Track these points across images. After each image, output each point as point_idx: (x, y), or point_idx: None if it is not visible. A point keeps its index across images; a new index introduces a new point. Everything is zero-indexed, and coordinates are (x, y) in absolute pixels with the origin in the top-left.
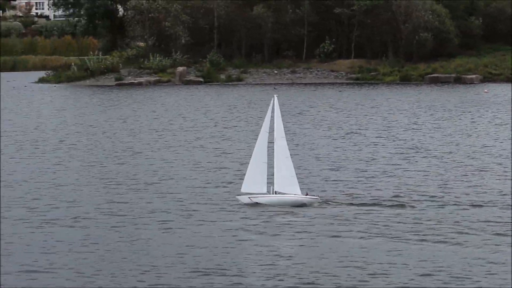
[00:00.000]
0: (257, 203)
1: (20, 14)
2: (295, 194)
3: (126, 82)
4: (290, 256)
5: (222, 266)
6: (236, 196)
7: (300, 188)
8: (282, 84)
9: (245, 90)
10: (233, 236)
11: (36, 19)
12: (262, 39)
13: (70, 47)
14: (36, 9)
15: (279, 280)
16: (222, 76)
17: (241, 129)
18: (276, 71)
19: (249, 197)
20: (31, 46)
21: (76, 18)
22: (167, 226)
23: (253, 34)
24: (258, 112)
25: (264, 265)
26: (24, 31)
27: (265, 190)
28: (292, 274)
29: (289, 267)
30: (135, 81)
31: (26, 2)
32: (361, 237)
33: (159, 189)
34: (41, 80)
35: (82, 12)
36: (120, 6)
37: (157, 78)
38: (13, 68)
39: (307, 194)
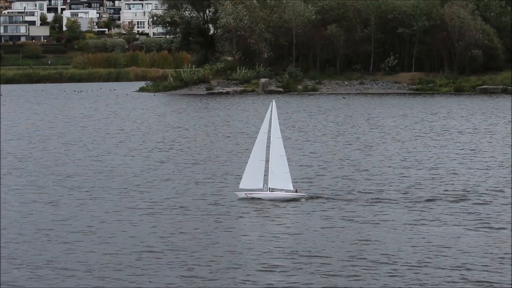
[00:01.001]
0: (252, 198)
1: (124, 32)
2: (286, 191)
3: (215, 91)
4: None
5: (222, 257)
6: (235, 192)
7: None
8: (351, 93)
9: (318, 99)
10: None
11: (137, 36)
12: (334, 54)
13: (166, 60)
14: (138, 27)
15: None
16: (300, 87)
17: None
18: (346, 83)
19: (245, 193)
20: (132, 59)
21: (172, 36)
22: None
23: (327, 50)
24: (327, 116)
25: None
26: (127, 47)
27: (261, 186)
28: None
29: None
30: (224, 91)
31: (128, 22)
32: (324, 227)
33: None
34: (142, 89)
35: (178, 30)
36: (211, 25)
37: (243, 88)
38: (117, 78)
39: (296, 191)
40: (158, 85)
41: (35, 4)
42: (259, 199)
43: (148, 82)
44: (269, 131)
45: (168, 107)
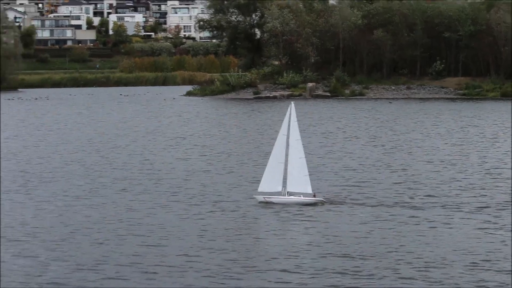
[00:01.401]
0: (270, 202)
1: (171, 36)
2: (304, 196)
3: (262, 95)
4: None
5: (243, 257)
6: (254, 195)
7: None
8: (398, 98)
9: (364, 103)
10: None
11: (184, 40)
12: (381, 58)
13: (213, 64)
14: (184, 31)
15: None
16: (347, 91)
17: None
18: (393, 87)
19: (263, 197)
20: (179, 63)
21: (219, 40)
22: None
23: (373, 54)
24: (372, 120)
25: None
26: (173, 51)
27: (280, 189)
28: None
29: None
30: (271, 95)
31: (175, 26)
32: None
33: None
34: (189, 93)
35: (224, 35)
36: (258, 29)
37: (290, 92)
38: (164, 82)
39: (314, 196)
40: (205, 89)
41: (81, 8)
42: (277, 203)
43: (195, 86)
44: (288, 133)
45: (216, 111)
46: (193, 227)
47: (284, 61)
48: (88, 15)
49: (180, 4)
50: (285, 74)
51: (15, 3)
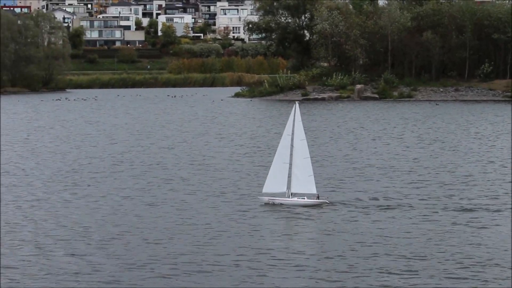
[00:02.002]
0: (274, 203)
1: (219, 37)
2: (308, 197)
3: (311, 97)
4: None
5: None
6: (258, 197)
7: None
8: (446, 100)
9: (412, 106)
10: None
11: (233, 41)
12: (430, 60)
13: (262, 66)
14: (233, 33)
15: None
16: (395, 93)
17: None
18: (441, 89)
19: (268, 199)
20: (228, 65)
21: (268, 41)
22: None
23: (422, 56)
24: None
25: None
26: (222, 52)
27: (285, 189)
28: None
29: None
30: (319, 97)
31: (224, 27)
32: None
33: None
34: (237, 95)
35: (273, 36)
36: (307, 31)
37: (338, 94)
38: (212, 83)
39: (318, 197)
40: (254, 91)
41: (130, 8)
42: (281, 204)
43: (244, 87)
44: (293, 133)
45: (265, 112)
46: (242, 227)
47: (333, 62)
48: (137, 16)
49: (229, 5)
50: (333, 76)
51: (64, 3)
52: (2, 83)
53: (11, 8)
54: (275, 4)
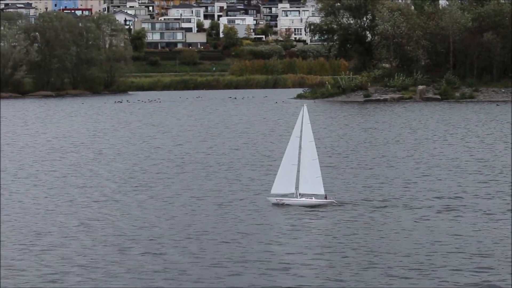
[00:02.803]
0: (283, 204)
1: (281, 39)
2: (315, 197)
3: (373, 98)
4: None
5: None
6: (267, 197)
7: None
8: (508, 101)
9: (473, 106)
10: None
11: (294, 43)
12: (491, 61)
13: (323, 67)
14: (295, 34)
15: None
16: (457, 94)
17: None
18: (503, 90)
19: (276, 199)
20: (290, 66)
21: (330, 43)
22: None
23: (483, 57)
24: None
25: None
26: (284, 53)
27: (293, 191)
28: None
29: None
30: (381, 98)
31: (286, 28)
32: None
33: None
34: (299, 96)
35: (335, 38)
36: (368, 32)
37: (400, 95)
38: (274, 85)
39: (326, 197)
40: (316, 92)
41: (192, 11)
42: (289, 205)
43: (306, 89)
44: (301, 135)
45: (331, 114)
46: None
47: (395, 64)
48: (199, 18)
49: (290, 6)
50: (395, 77)
51: (125, 6)
52: (64, 86)
53: (72, 11)
54: (336, 5)
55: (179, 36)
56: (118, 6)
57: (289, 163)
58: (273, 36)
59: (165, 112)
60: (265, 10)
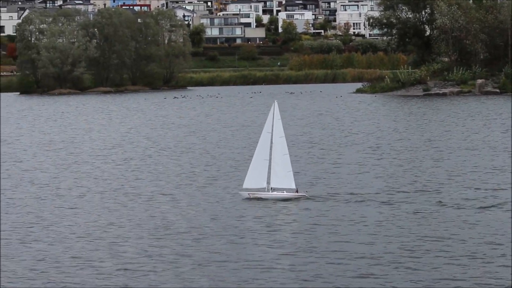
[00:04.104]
0: (255, 198)
1: (340, 33)
2: (286, 191)
3: (432, 92)
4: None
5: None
6: (238, 192)
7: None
8: None
9: None
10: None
11: (353, 37)
12: None
13: (382, 61)
14: (354, 29)
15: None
16: None
17: None
18: None
19: (248, 193)
20: (349, 61)
21: (388, 37)
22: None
23: None
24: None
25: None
26: (343, 48)
27: (264, 185)
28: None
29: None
30: (440, 92)
31: (344, 23)
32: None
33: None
34: (358, 91)
35: (394, 32)
36: (427, 26)
37: (459, 89)
38: (333, 80)
39: (297, 191)
40: (375, 86)
41: (250, 6)
42: (261, 199)
43: (365, 83)
44: (272, 131)
45: (390, 108)
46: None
47: (454, 57)
48: (258, 13)
49: (349, 1)
50: (454, 71)
51: (184, 1)
52: (123, 82)
53: (131, 7)
54: None
55: (238, 31)
56: (177, 2)
57: (260, 158)
58: (331, 30)
59: (225, 107)
60: (323, 5)
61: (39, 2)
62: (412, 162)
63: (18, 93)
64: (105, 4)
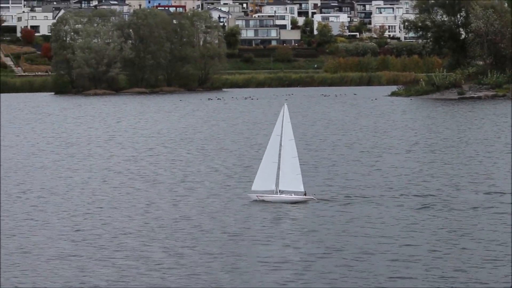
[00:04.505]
0: (263, 200)
1: (375, 36)
2: (295, 194)
3: (467, 96)
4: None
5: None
6: (247, 194)
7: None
8: None
9: None
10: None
11: (388, 40)
12: None
13: (417, 64)
14: (389, 31)
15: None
16: None
17: None
18: None
19: (256, 196)
20: (384, 64)
21: (424, 40)
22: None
23: None
24: None
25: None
26: (378, 51)
27: (273, 188)
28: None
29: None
30: (475, 95)
31: (380, 26)
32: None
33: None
34: (393, 94)
35: (429, 35)
36: (462, 29)
37: (494, 92)
38: (369, 82)
39: (305, 194)
40: (410, 89)
41: (286, 8)
42: (270, 201)
43: (400, 86)
44: (282, 134)
45: (425, 112)
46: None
47: (489, 61)
48: (293, 15)
49: (384, 4)
50: (489, 75)
51: (219, 3)
52: (158, 83)
53: (166, 8)
54: (430, 2)
55: (273, 33)
56: (212, 3)
57: (269, 161)
58: (367, 33)
59: (261, 109)
60: (359, 7)
61: (74, 2)
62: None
63: (53, 93)
64: (140, 5)
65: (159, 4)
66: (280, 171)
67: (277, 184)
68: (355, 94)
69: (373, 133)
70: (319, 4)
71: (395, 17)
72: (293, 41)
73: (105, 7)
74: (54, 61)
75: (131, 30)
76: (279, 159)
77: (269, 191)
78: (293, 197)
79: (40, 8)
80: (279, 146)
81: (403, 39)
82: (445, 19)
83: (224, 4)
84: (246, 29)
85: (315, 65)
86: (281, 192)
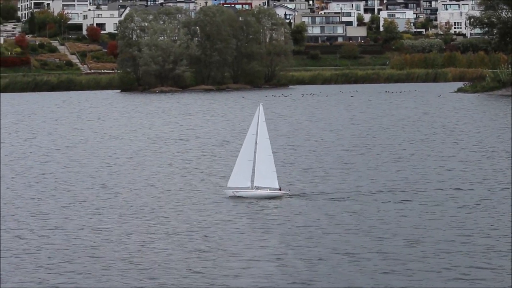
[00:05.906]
0: (238, 196)
1: (441, 32)
2: (270, 189)
3: None
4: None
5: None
6: (223, 190)
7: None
8: None
9: None
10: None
11: (454, 36)
12: None
13: (483, 61)
14: (454, 28)
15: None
16: None
17: None
18: None
19: (232, 192)
20: (450, 60)
21: (490, 36)
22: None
23: None
24: None
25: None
26: (444, 47)
27: (249, 184)
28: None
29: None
30: None
31: (445, 22)
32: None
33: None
34: (460, 90)
35: (495, 31)
36: None
37: None
38: (435, 79)
39: (280, 189)
40: (476, 86)
41: (352, 4)
42: (245, 197)
43: (466, 82)
44: (257, 132)
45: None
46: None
47: None
48: (359, 11)
49: (450, 0)
50: None
51: (285, 0)
52: (224, 80)
53: (232, 5)
54: None
55: (339, 30)
56: (278, 0)
57: (245, 159)
58: (433, 29)
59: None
60: (424, 4)
61: (140, 0)
62: None
63: (119, 90)
64: (206, 2)
65: (225, 1)
66: (256, 168)
67: (252, 181)
68: (418, 90)
69: (441, 129)
70: (385, 1)
71: (460, 13)
72: (359, 37)
73: (171, 4)
74: (120, 58)
75: (197, 27)
76: (254, 157)
77: (244, 187)
78: (268, 192)
79: (106, 6)
80: (255, 144)
81: (468, 36)
82: (511, 15)
83: (290, 1)
84: (312, 26)
85: (387, 61)
86: (257, 188)
